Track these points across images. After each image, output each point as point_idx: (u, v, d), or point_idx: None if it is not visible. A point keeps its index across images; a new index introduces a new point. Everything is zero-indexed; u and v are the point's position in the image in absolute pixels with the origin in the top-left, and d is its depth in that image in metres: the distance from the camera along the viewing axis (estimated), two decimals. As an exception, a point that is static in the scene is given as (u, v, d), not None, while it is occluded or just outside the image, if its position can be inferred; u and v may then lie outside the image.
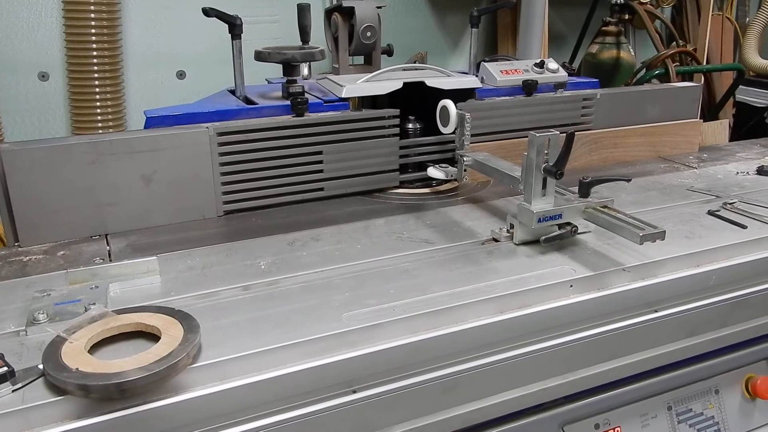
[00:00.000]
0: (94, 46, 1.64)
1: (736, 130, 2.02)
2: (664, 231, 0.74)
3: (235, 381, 0.58)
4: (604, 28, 2.10)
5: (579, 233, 0.84)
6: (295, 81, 1.06)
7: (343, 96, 1.05)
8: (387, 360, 0.64)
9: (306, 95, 1.04)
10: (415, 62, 1.86)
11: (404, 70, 1.13)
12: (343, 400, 0.62)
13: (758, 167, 1.19)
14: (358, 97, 1.06)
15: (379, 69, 1.12)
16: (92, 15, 1.62)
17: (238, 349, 0.60)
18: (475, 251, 0.83)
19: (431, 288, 0.72)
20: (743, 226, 0.90)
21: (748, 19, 2.30)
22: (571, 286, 0.74)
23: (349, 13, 1.21)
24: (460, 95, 1.11)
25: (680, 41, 2.22)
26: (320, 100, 1.06)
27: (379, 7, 1.24)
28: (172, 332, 0.59)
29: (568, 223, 0.83)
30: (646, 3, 2.06)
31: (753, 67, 2.18)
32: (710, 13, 2.14)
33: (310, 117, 1.02)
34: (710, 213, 0.95)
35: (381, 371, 0.64)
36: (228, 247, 0.86)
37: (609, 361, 0.76)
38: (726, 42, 2.37)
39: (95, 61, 1.65)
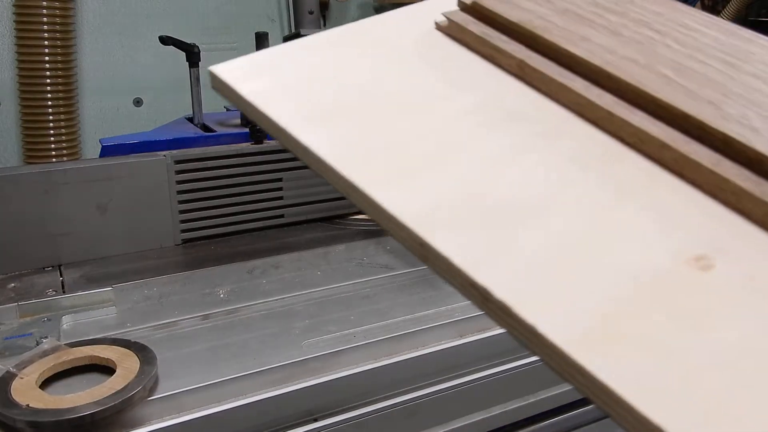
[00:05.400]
0: (48, 72, 1.61)
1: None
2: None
3: (193, 413, 0.57)
4: None
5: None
6: (253, 108, 1.06)
7: (302, 123, 1.06)
8: (348, 387, 0.64)
9: (265, 122, 1.04)
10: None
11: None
12: (305, 429, 0.62)
13: None
14: (318, 124, 1.07)
15: (338, 96, 1.14)
16: (46, 42, 1.59)
17: (196, 380, 0.59)
18: (435, 276, 0.84)
19: (392, 313, 0.72)
20: None
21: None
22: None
23: (307, 41, 1.22)
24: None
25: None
26: (279, 127, 1.06)
27: (337, 36, 1.25)
28: (127, 365, 0.58)
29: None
30: None
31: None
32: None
33: (269, 144, 1.02)
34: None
35: (342, 398, 0.64)
36: (186, 276, 0.84)
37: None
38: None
39: (49, 87, 1.62)
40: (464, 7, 0.34)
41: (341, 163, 0.26)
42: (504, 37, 0.32)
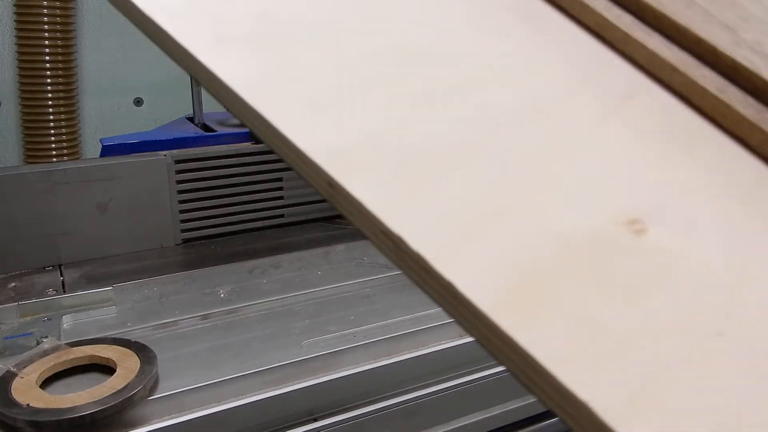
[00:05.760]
0: (48, 72, 1.61)
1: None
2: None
3: (193, 413, 0.57)
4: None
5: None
6: (254, 108, 1.06)
7: (302, 123, 1.06)
8: (348, 387, 0.64)
9: (265, 122, 1.04)
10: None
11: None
12: (305, 429, 0.62)
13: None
14: (318, 124, 1.07)
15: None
16: (46, 42, 1.59)
17: (196, 380, 0.59)
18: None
19: (392, 313, 0.72)
20: None
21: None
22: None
23: (307, 41, 1.22)
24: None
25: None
26: (279, 127, 1.06)
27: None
28: (127, 364, 0.58)
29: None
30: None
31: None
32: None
33: (270, 144, 1.02)
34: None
35: (342, 398, 0.64)
36: (186, 276, 0.84)
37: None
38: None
39: (49, 87, 1.62)
40: None
41: (249, 91, 0.24)
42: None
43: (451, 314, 0.19)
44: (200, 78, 0.25)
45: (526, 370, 0.18)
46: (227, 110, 0.25)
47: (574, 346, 0.17)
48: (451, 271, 0.19)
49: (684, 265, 0.20)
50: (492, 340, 0.18)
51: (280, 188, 1.03)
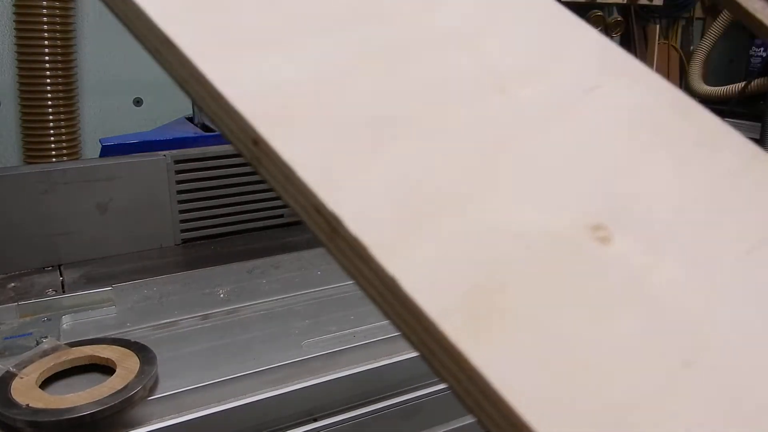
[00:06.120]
0: (48, 72, 1.61)
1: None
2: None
3: (193, 413, 0.57)
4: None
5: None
6: (253, 108, 1.06)
7: (302, 123, 1.06)
8: (348, 387, 0.64)
9: (265, 122, 1.04)
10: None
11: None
12: (305, 429, 0.62)
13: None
14: (317, 124, 1.07)
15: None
16: (46, 42, 1.59)
17: (196, 380, 0.59)
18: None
19: (392, 313, 0.72)
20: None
21: (692, 47, 2.40)
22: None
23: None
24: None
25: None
26: (279, 127, 1.06)
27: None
28: (127, 364, 0.58)
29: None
30: (596, 32, 2.13)
31: (698, 93, 2.27)
32: (657, 41, 2.23)
33: (269, 144, 1.02)
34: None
35: (342, 398, 0.64)
36: (186, 276, 0.84)
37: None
38: (672, 69, 2.46)
39: (49, 87, 1.62)
40: None
41: (164, 17, 0.19)
42: None
43: (387, 316, 0.16)
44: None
45: (474, 394, 0.15)
46: (136, 38, 0.21)
47: (533, 372, 0.15)
48: (396, 264, 0.16)
49: (649, 283, 0.18)
50: (435, 353, 0.16)
51: (280, 188, 1.03)
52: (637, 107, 0.22)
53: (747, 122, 1.57)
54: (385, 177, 0.17)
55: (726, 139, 0.22)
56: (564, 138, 0.20)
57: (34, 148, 1.65)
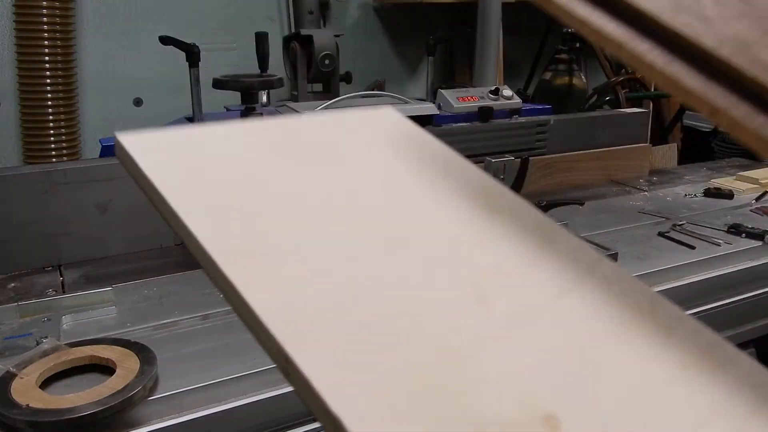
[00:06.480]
0: (48, 72, 1.61)
1: (684, 154, 2.09)
2: (617, 253, 0.76)
3: (193, 413, 0.57)
4: (556, 56, 2.16)
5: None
6: (253, 108, 1.07)
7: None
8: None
9: (265, 122, 1.04)
10: (373, 89, 1.88)
11: (363, 97, 1.14)
12: (305, 429, 0.62)
13: (705, 189, 1.24)
14: (317, 124, 1.07)
15: (338, 96, 1.14)
16: (46, 42, 1.59)
17: (196, 380, 0.59)
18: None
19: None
20: (691, 247, 0.93)
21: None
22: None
23: (307, 41, 1.22)
24: (417, 122, 1.13)
25: (629, 68, 2.30)
26: (279, 127, 1.06)
27: (337, 36, 1.26)
28: (127, 364, 0.58)
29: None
30: (596, 32, 2.12)
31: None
32: (656, 41, 2.22)
33: (269, 144, 1.02)
34: (660, 234, 0.98)
35: (342, 398, 0.64)
36: (186, 276, 0.84)
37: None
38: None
39: (49, 87, 1.62)
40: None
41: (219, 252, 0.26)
42: None
43: None
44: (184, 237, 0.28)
45: None
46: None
47: None
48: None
49: None
50: None
51: (280, 188, 1.03)
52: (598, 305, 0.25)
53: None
54: (374, 372, 0.21)
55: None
56: (527, 336, 0.23)
57: (34, 148, 1.65)
